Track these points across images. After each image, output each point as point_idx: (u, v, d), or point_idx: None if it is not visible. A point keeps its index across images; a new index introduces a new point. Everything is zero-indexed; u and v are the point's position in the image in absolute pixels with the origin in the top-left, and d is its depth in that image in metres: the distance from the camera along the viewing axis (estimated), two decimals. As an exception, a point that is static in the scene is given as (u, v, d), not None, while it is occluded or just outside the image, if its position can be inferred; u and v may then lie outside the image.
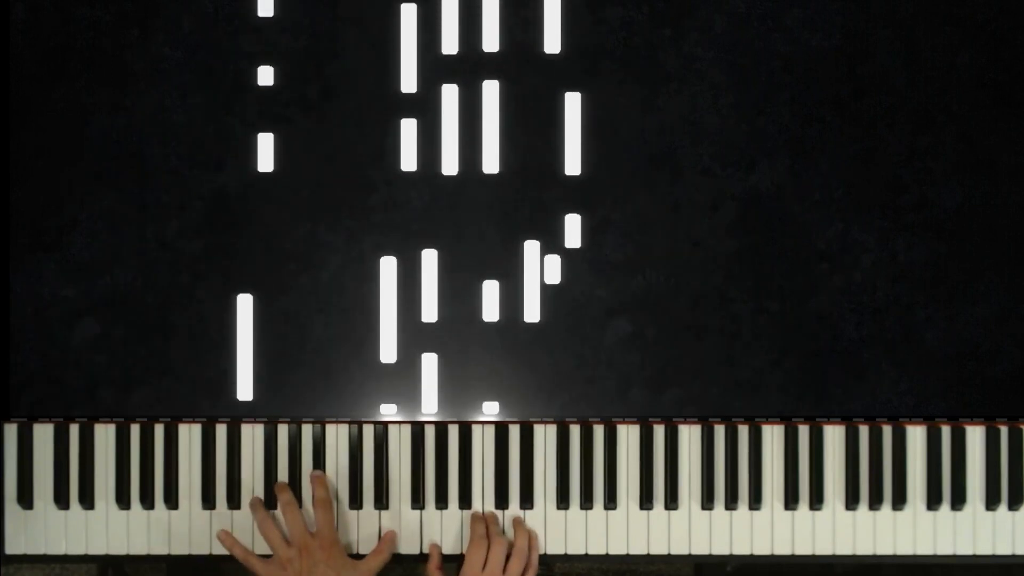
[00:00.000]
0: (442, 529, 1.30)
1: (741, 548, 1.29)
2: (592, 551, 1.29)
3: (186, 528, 1.29)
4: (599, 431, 1.29)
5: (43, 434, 1.29)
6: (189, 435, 1.30)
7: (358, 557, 1.27)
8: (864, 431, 1.29)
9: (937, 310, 1.29)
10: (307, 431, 1.30)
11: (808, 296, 1.28)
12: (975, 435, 1.29)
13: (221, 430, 1.29)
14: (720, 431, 1.29)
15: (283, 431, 1.30)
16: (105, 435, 1.29)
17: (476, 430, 1.29)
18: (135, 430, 1.29)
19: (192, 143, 1.29)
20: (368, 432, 1.30)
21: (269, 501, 1.29)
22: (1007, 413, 1.29)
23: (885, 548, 1.29)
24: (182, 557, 1.30)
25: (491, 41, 1.28)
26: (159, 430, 1.29)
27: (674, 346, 1.29)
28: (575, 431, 1.29)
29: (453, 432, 1.29)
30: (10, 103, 1.29)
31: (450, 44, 1.29)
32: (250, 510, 1.27)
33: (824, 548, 1.29)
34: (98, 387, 1.29)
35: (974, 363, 1.28)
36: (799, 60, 1.29)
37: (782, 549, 1.29)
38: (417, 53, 1.29)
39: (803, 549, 1.29)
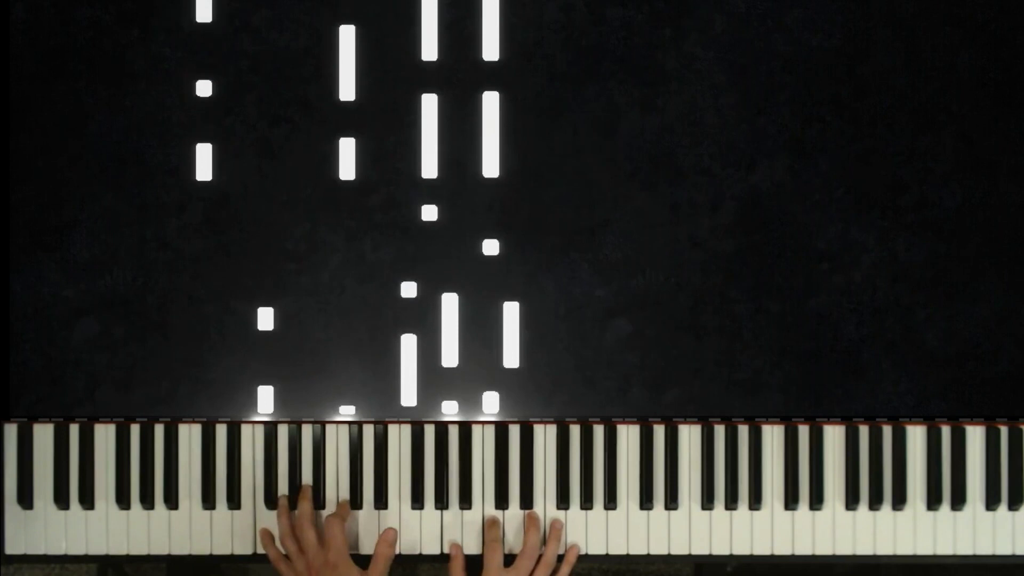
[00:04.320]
0: (442, 529, 1.30)
1: (741, 548, 1.29)
2: (592, 551, 1.29)
3: (186, 528, 1.29)
4: (599, 431, 1.29)
5: (43, 434, 1.29)
6: (189, 435, 1.30)
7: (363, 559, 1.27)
8: (864, 431, 1.29)
9: (937, 310, 1.28)
10: (307, 431, 1.30)
11: (808, 296, 1.28)
12: (975, 435, 1.29)
13: (221, 430, 1.29)
14: (720, 431, 1.29)
15: (283, 431, 1.30)
16: (105, 435, 1.29)
17: (476, 430, 1.29)
18: (135, 430, 1.29)
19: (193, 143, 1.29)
20: (368, 432, 1.30)
21: (270, 499, 1.29)
22: (1007, 413, 1.29)
23: (885, 548, 1.29)
24: (182, 557, 1.30)
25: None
26: (159, 430, 1.29)
27: (674, 346, 1.28)
28: (575, 431, 1.29)
29: (453, 432, 1.29)
30: (10, 103, 1.29)
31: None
32: (277, 513, 1.28)
33: (824, 548, 1.29)
34: (98, 387, 1.29)
35: (974, 363, 1.28)
36: (799, 60, 1.29)
37: (782, 549, 1.29)
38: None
39: (803, 549, 1.29)
